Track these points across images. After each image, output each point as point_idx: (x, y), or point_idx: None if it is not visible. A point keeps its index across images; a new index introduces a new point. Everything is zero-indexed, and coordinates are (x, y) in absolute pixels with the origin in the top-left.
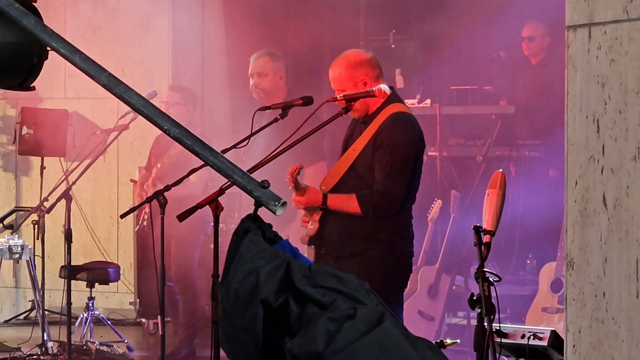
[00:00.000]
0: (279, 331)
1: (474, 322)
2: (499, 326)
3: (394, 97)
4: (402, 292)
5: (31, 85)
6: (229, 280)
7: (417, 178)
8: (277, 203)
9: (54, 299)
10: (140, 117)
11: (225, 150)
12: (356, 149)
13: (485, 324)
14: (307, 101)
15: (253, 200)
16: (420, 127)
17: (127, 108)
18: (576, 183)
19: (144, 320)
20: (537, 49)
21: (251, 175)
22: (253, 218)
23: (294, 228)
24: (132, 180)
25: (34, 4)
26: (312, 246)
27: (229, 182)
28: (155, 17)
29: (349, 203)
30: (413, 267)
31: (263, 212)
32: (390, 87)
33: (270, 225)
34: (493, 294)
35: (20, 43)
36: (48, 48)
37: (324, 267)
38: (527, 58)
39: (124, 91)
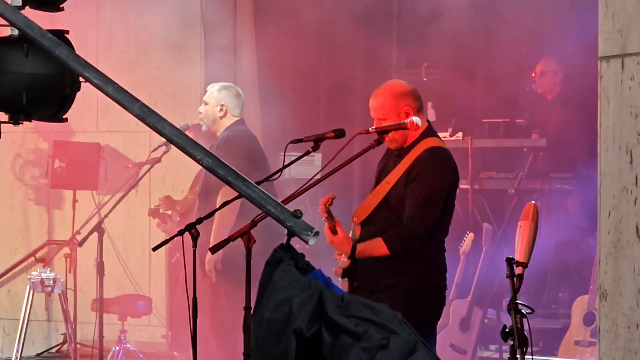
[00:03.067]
0: None
1: (506, 355)
2: (532, 359)
3: (430, 131)
4: (435, 325)
5: (63, 117)
6: (262, 310)
7: (449, 213)
8: (309, 233)
9: (86, 332)
10: (172, 150)
11: (258, 183)
12: (389, 182)
13: (518, 356)
14: (339, 134)
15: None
16: (455, 163)
17: (159, 141)
18: (609, 214)
19: (175, 353)
20: (548, 85)
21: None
22: (285, 248)
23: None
24: (154, 213)
25: (66, 35)
26: (346, 279)
27: (262, 214)
28: (188, 51)
29: (376, 248)
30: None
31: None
32: (427, 121)
33: (303, 255)
34: (525, 326)
35: (52, 74)
36: (81, 79)
37: (356, 297)
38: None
39: (157, 121)
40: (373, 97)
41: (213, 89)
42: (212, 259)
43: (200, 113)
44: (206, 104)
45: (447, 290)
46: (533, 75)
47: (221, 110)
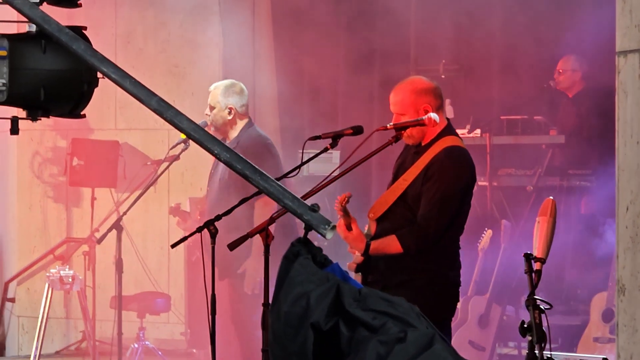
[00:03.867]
0: (330, 355)
1: (525, 352)
2: (550, 354)
3: (449, 129)
4: (449, 321)
5: (81, 113)
6: (279, 304)
7: (465, 212)
8: (327, 226)
9: (105, 330)
10: (191, 147)
11: (277, 179)
12: (407, 179)
13: (537, 351)
14: (357, 130)
15: None
16: (472, 162)
17: (178, 138)
18: (627, 209)
19: (194, 350)
20: (566, 82)
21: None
22: (303, 242)
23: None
24: (175, 212)
25: (84, 31)
26: (359, 273)
27: (280, 210)
28: (206, 49)
29: (390, 246)
30: (464, 297)
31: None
32: (447, 119)
33: (320, 249)
34: (544, 322)
35: (70, 70)
36: (99, 75)
37: (374, 290)
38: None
39: (174, 115)
40: (394, 92)
41: (217, 91)
42: (251, 283)
43: (208, 115)
44: (212, 107)
45: (464, 287)
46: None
47: (230, 113)
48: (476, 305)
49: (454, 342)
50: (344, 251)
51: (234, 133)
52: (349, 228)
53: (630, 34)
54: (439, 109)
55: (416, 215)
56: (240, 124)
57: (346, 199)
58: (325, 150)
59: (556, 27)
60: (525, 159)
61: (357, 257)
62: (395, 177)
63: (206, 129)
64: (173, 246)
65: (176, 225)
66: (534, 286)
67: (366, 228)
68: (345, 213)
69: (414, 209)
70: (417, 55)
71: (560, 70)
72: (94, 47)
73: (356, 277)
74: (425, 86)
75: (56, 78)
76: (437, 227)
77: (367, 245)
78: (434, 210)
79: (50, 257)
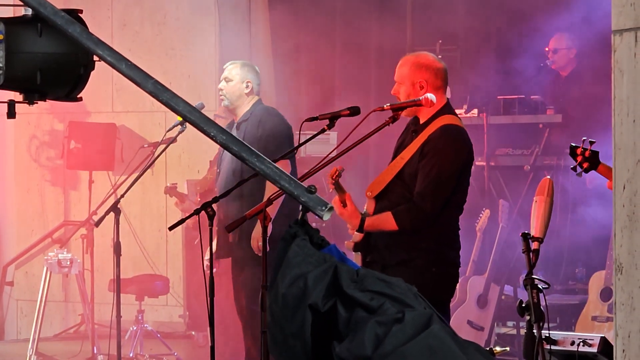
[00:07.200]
0: (328, 336)
1: (523, 331)
2: (549, 333)
3: (447, 108)
4: (448, 302)
5: (78, 96)
6: (277, 286)
7: (462, 191)
8: (324, 208)
9: (103, 313)
10: (188, 129)
11: (274, 161)
12: (404, 158)
13: (535, 331)
14: (354, 111)
15: None
16: (469, 141)
17: (174, 121)
18: (624, 187)
19: (193, 333)
20: (562, 61)
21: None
22: (300, 223)
23: None
24: (171, 191)
25: (80, 15)
26: (358, 253)
27: (277, 192)
28: (202, 31)
29: (386, 223)
30: (462, 277)
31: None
32: (447, 99)
33: (317, 231)
34: (542, 301)
35: (66, 54)
36: (95, 58)
37: (371, 271)
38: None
39: (171, 98)
40: (400, 61)
41: (235, 65)
42: (259, 234)
43: (221, 90)
44: (229, 80)
45: (463, 267)
46: (546, 49)
47: (247, 87)
48: (475, 285)
49: (453, 322)
50: (343, 233)
51: (244, 109)
52: (343, 204)
53: (625, 12)
54: (438, 89)
55: (413, 193)
56: (252, 100)
57: (337, 172)
58: (323, 131)
59: (551, 5)
60: (523, 139)
61: (356, 236)
62: (395, 157)
63: (207, 110)
64: (171, 228)
65: (174, 206)
66: (531, 265)
67: (365, 207)
68: (339, 188)
69: (411, 187)
70: (414, 36)
71: (554, 49)
72: (90, 30)
73: (355, 257)
74: (426, 63)
75: (52, 61)
76: (433, 205)
77: (362, 221)
78: (429, 187)
79: (48, 241)
